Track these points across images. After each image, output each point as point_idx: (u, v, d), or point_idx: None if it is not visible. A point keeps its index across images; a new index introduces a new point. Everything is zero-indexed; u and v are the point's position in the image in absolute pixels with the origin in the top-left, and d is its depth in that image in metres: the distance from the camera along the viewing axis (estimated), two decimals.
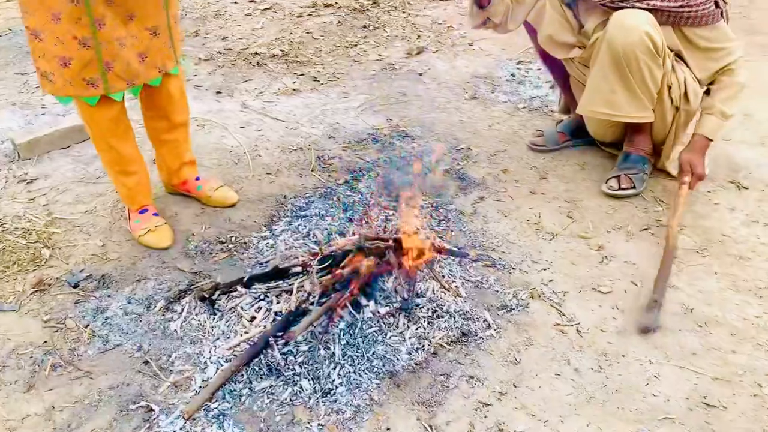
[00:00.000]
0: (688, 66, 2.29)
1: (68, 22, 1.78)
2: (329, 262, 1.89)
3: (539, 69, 3.51)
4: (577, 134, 2.73)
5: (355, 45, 3.87)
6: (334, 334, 1.74)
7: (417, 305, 1.85)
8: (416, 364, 1.71)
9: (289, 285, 1.87)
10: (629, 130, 2.46)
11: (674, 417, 1.56)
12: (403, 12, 4.35)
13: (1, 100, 3.20)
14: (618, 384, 1.65)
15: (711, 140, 2.32)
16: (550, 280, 2.00)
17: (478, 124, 2.97)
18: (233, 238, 2.20)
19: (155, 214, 2.22)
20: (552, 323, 1.84)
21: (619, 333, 1.81)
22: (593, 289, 1.97)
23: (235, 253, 2.13)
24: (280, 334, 1.72)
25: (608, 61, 2.21)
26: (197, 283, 1.99)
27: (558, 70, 2.63)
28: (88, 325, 1.85)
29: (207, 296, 1.89)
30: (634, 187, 2.40)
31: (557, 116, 2.96)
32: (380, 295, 1.85)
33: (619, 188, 2.40)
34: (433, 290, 1.90)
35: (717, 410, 1.57)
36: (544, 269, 2.05)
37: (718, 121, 2.30)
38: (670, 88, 2.28)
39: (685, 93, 2.31)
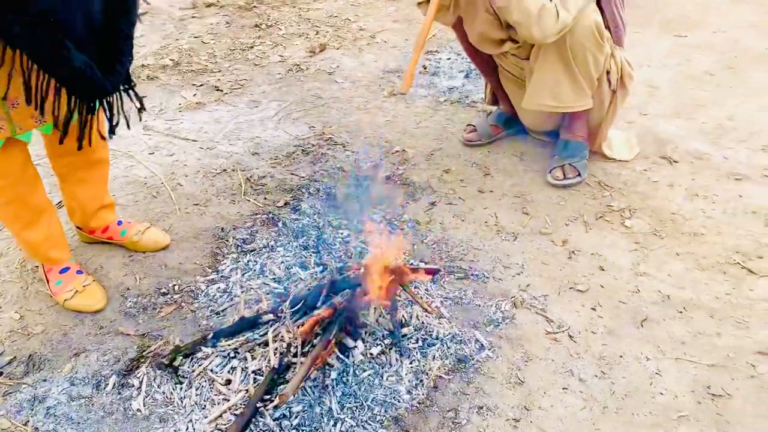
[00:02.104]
0: None
1: None
2: (301, 302, 1.71)
3: (449, 59, 3.45)
4: (510, 125, 2.69)
5: (252, 47, 3.60)
6: (326, 387, 1.57)
7: (405, 336, 1.72)
8: (419, 403, 1.58)
9: (262, 337, 1.67)
10: (567, 117, 2.45)
11: (687, 413, 1.55)
12: (294, 7, 4.12)
13: None
14: (625, 388, 1.62)
15: None
16: (528, 285, 1.94)
17: (406, 123, 2.86)
18: (176, 287, 1.94)
19: (79, 272, 1.91)
20: (543, 332, 1.78)
21: (610, 333, 1.78)
22: (571, 288, 1.93)
23: (183, 304, 1.88)
24: (267, 397, 1.53)
25: (554, 54, 2.17)
26: (149, 347, 1.73)
27: (486, 65, 2.57)
28: (27, 421, 1.55)
29: (167, 363, 1.65)
30: (579, 175, 2.39)
31: (483, 106, 2.92)
32: (365, 332, 1.69)
33: (565, 177, 2.39)
34: (417, 316, 1.78)
35: (723, 399, 1.59)
36: (518, 274, 1.99)
37: None
38: (608, 72, 2.28)
39: (621, 76, 2.32)
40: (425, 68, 3.36)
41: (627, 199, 2.32)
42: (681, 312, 1.84)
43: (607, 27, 2.22)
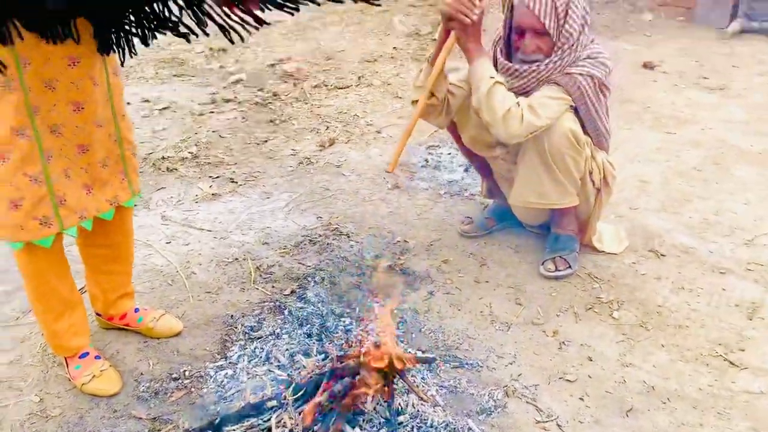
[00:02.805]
0: None
1: (18, 160, 1.65)
2: (303, 389, 1.82)
3: (449, 153, 3.67)
4: (504, 218, 2.86)
5: (266, 141, 3.85)
6: None
7: (401, 423, 1.81)
8: None
9: (266, 422, 1.78)
10: (556, 213, 2.61)
11: None
12: (306, 103, 4.41)
13: None
14: None
15: (471, 61, 2.31)
16: (519, 375, 2.04)
17: (407, 214, 3.04)
18: (186, 372, 2.06)
19: (97, 357, 2.04)
20: (533, 421, 1.87)
21: (596, 422, 1.87)
22: (560, 378, 2.03)
23: (192, 389, 1.99)
24: None
25: (535, 157, 2.36)
26: (159, 431, 1.83)
27: (481, 163, 2.77)
28: None
29: None
30: (569, 267, 2.53)
31: (480, 199, 3.10)
32: (363, 420, 1.79)
33: (556, 269, 2.53)
34: (412, 404, 1.88)
35: None
36: (511, 363, 2.09)
37: (489, 84, 2.26)
38: (591, 172, 2.46)
39: (604, 176, 2.50)
40: (427, 162, 3.57)
41: (615, 291, 2.44)
42: (665, 403, 1.93)
43: (587, 133, 2.41)
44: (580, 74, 2.30)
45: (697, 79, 4.81)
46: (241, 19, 1.58)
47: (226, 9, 1.56)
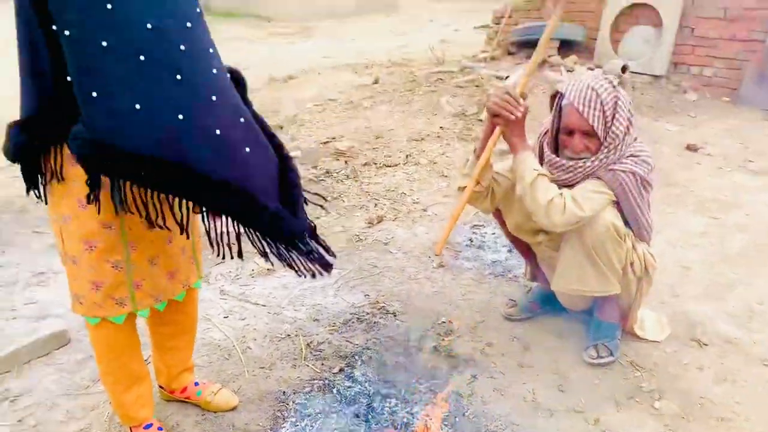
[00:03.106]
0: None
1: (102, 249, 1.84)
2: None
3: (493, 233, 3.79)
4: (548, 302, 2.94)
5: (318, 217, 4.05)
6: None
7: None
8: None
9: None
10: (599, 300, 2.69)
11: None
12: (356, 180, 4.63)
13: None
14: None
15: (515, 153, 2.46)
16: None
17: (452, 294, 3.15)
18: None
19: (160, 429, 2.18)
20: None
21: None
22: None
23: None
24: None
25: (577, 247, 2.47)
26: None
27: (525, 247, 2.88)
28: None
29: None
30: (612, 354, 2.59)
31: (524, 282, 3.19)
32: None
33: (598, 356, 2.59)
34: None
35: None
36: None
37: (533, 176, 2.39)
38: (632, 264, 2.55)
39: (645, 267, 2.58)
40: (471, 241, 3.70)
41: (657, 380, 2.48)
42: None
43: (629, 226, 2.51)
44: (623, 171, 2.42)
45: (742, 162, 4.86)
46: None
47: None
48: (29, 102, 1.72)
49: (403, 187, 4.52)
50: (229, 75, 1.86)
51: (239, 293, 3.19)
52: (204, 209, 1.71)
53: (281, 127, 5.76)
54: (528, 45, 7.62)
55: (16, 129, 1.75)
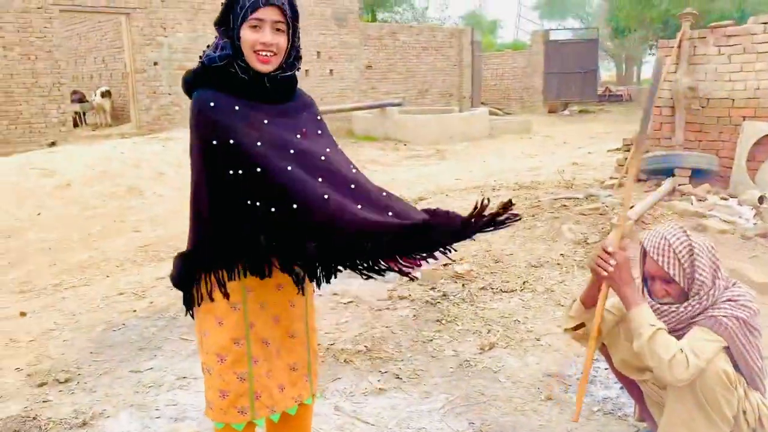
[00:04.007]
0: None
1: (231, 362, 2.18)
2: None
3: (606, 368, 3.74)
4: None
5: (431, 340, 4.24)
6: None
7: None
8: None
9: None
10: None
11: None
12: (472, 304, 4.79)
13: (119, 401, 3.57)
14: None
15: (627, 308, 2.48)
16: None
17: (558, 429, 3.14)
18: None
19: None
20: None
21: None
22: None
23: None
24: None
25: (687, 393, 2.44)
26: None
27: (632, 385, 2.87)
28: None
29: None
30: None
31: (633, 422, 3.13)
32: None
33: None
34: None
35: None
36: None
37: (651, 331, 2.39)
38: (744, 412, 2.47)
39: (759, 417, 2.48)
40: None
41: None
42: None
43: (740, 372, 2.46)
44: (724, 316, 2.42)
45: None
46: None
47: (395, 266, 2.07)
48: (193, 236, 2.19)
49: (517, 314, 4.61)
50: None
51: (351, 410, 3.40)
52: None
53: None
54: (658, 173, 7.57)
55: (180, 259, 2.23)
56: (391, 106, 17.97)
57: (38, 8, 14.36)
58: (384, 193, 2.16)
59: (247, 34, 2.02)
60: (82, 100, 19.29)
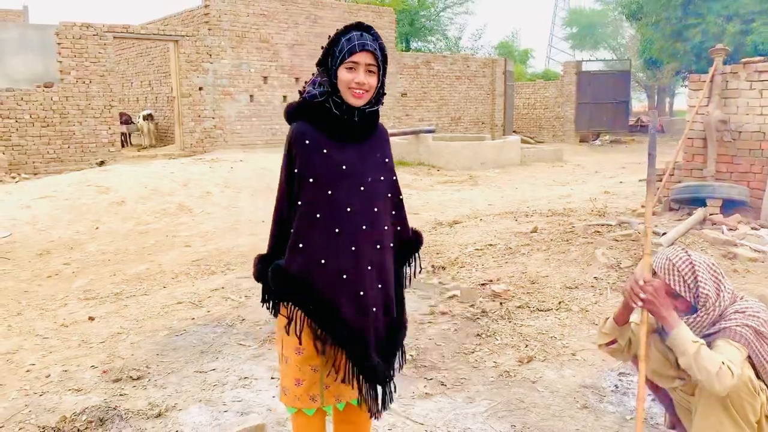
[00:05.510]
0: None
1: (306, 356, 2.51)
2: None
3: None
4: None
5: (473, 352, 4.53)
6: None
7: None
8: None
9: None
10: None
11: None
12: (510, 321, 5.08)
13: (188, 397, 3.92)
14: None
15: (667, 331, 2.70)
16: None
17: None
18: None
19: None
20: None
21: None
22: None
23: None
24: None
25: (714, 399, 2.70)
26: None
27: (663, 395, 3.13)
28: None
29: None
30: None
31: (664, 429, 3.38)
32: None
33: None
34: None
35: None
36: None
37: (695, 347, 2.60)
38: (767, 417, 2.72)
39: None
40: (617, 387, 3.94)
41: None
42: None
43: (759, 377, 2.72)
44: (737, 326, 2.70)
45: None
46: None
47: None
48: (271, 239, 2.54)
49: (554, 331, 4.87)
50: (412, 234, 2.61)
51: (402, 410, 3.70)
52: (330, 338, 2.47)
53: (444, 268, 6.44)
54: (689, 202, 7.79)
55: (259, 260, 2.58)
56: (424, 133, 18.40)
57: (94, 35, 15.20)
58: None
59: (343, 74, 2.39)
60: (128, 121, 20.17)
